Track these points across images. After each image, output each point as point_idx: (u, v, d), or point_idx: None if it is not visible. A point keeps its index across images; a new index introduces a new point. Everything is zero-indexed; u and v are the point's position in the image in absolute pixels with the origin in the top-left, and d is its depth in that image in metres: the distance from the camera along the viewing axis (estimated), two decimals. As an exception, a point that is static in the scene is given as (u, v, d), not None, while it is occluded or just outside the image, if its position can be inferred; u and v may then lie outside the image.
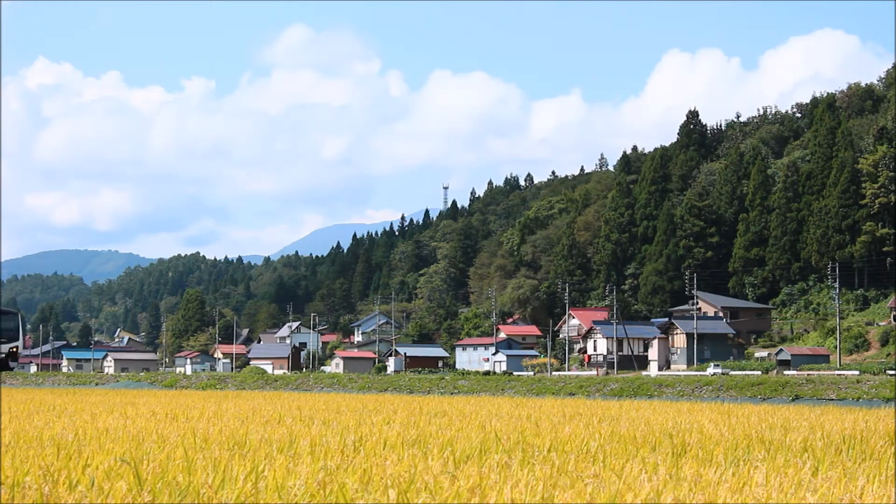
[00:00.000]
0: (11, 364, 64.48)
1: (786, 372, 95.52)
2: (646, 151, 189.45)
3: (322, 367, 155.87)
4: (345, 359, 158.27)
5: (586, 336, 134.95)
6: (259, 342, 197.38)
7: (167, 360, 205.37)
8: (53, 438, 10.37)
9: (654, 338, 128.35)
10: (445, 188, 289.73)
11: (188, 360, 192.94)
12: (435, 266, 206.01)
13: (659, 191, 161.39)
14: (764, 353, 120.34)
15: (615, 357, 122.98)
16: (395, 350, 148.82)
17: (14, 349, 64.55)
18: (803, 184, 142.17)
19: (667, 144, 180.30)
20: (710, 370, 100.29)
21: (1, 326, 65.33)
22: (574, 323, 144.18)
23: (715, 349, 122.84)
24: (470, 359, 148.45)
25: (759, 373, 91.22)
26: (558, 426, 12.93)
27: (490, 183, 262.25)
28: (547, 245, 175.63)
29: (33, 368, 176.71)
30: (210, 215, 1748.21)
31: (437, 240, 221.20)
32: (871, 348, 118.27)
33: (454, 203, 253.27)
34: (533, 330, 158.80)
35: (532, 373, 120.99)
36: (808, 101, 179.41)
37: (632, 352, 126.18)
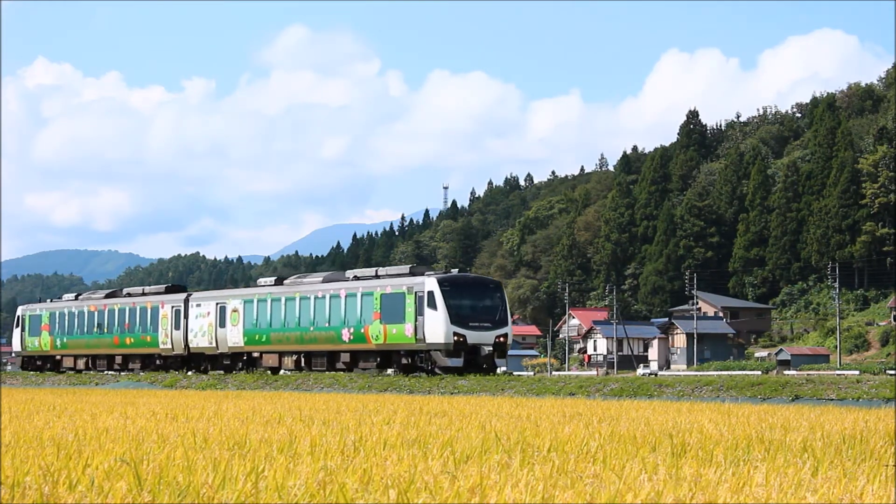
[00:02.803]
0: (498, 362, 42.37)
1: (786, 372, 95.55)
2: (646, 151, 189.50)
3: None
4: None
5: (586, 336, 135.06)
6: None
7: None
8: (53, 438, 10.38)
9: (654, 338, 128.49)
10: (445, 188, 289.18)
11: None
12: (435, 266, 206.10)
13: (659, 191, 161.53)
14: (764, 353, 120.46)
15: (615, 357, 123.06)
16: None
17: (501, 338, 42.15)
18: (803, 184, 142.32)
19: (666, 144, 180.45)
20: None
21: (474, 304, 42.20)
22: (574, 323, 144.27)
23: (715, 349, 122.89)
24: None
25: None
26: (558, 426, 12.93)
27: (490, 183, 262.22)
28: (547, 245, 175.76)
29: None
30: (210, 215, 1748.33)
31: (437, 240, 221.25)
32: (871, 348, 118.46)
33: (454, 203, 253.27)
34: (533, 330, 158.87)
35: (532, 373, 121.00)
36: (807, 101, 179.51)
37: (632, 352, 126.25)
